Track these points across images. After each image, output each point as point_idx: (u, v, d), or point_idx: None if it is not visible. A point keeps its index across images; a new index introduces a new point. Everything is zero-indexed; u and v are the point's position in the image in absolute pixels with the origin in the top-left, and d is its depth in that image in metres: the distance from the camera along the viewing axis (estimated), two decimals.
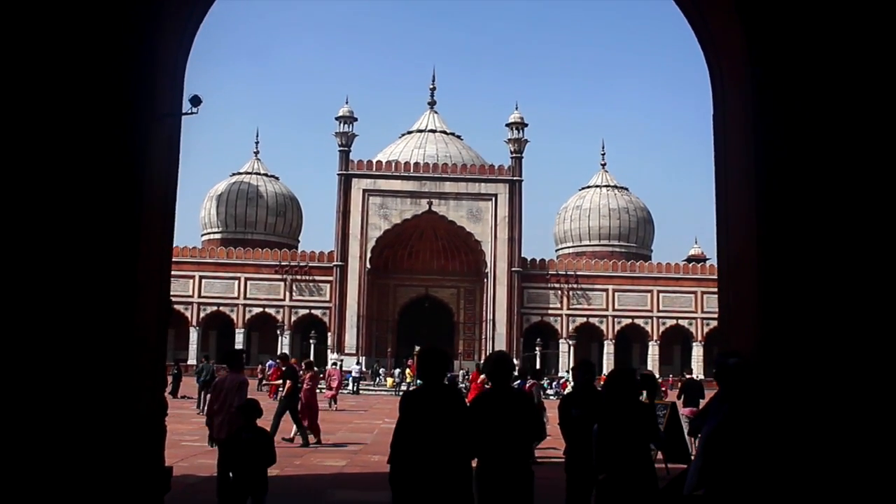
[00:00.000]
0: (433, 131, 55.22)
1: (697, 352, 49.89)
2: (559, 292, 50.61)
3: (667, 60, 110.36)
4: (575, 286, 50.67)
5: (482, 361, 6.86)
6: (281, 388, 14.70)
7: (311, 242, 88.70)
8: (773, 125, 4.97)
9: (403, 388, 30.86)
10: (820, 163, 4.87)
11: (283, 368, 15.09)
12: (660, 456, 9.05)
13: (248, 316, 49.73)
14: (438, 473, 4.22)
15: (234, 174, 57.50)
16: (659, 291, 50.83)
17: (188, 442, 12.74)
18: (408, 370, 33.54)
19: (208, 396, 9.94)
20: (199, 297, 49.47)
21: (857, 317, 4.68)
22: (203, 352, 43.92)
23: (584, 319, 50.63)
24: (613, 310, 50.76)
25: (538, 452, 11.75)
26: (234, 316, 49.59)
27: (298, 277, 49.78)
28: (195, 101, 5.86)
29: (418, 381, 4.87)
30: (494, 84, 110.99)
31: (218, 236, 55.05)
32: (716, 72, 5.92)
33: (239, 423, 6.55)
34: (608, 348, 49.75)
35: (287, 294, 49.81)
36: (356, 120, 50.03)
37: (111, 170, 4.89)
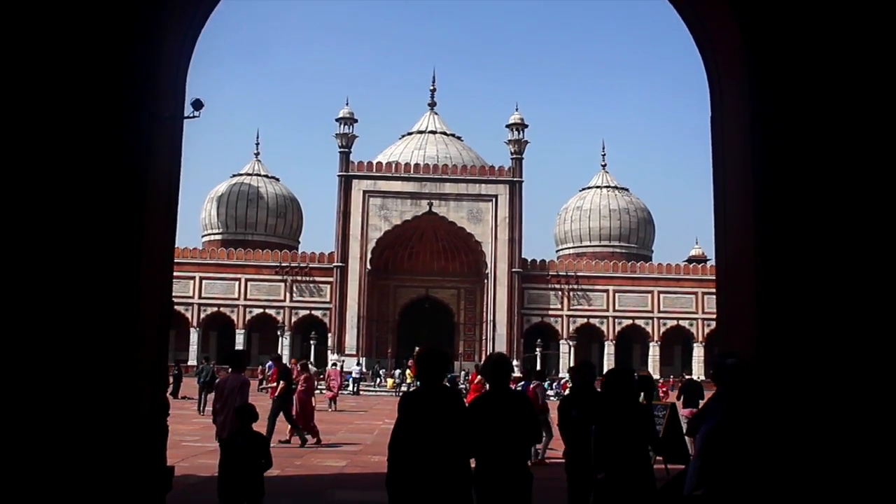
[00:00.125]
0: (433, 132, 55.23)
1: (698, 352, 49.83)
2: (560, 293, 50.60)
3: (667, 61, 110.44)
4: (575, 287, 50.67)
5: (482, 362, 6.87)
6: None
7: (311, 243, 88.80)
8: (769, 126, 4.99)
9: (404, 388, 30.87)
10: (817, 163, 4.89)
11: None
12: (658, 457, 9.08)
13: (248, 317, 49.75)
14: (437, 475, 4.19)
15: (234, 175, 57.53)
16: (659, 292, 50.81)
17: (189, 442, 12.77)
18: (408, 371, 33.49)
19: (209, 397, 10.01)
20: (200, 297, 49.48)
21: (855, 317, 4.70)
22: (203, 353, 43.91)
23: (585, 320, 50.61)
24: (614, 310, 50.75)
25: (548, 453, 11.77)
26: (234, 317, 49.61)
27: (299, 278, 49.80)
28: (197, 104, 5.91)
29: (417, 383, 4.87)
30: (494, 85, 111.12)
31: (218, 237, 55.08)
32: (713, 73, 5.95)
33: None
34: (609, 349, 49.72)
35: (287, 295, 49.83)
36: (356, 121, 50.06)
37: (114, 172, 4.93)
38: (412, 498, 4.21)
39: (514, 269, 48.80)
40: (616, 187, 58.77)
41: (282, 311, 49.73)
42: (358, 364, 40.02)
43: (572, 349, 49.33)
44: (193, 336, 48.87)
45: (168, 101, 5.68)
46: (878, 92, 4.90)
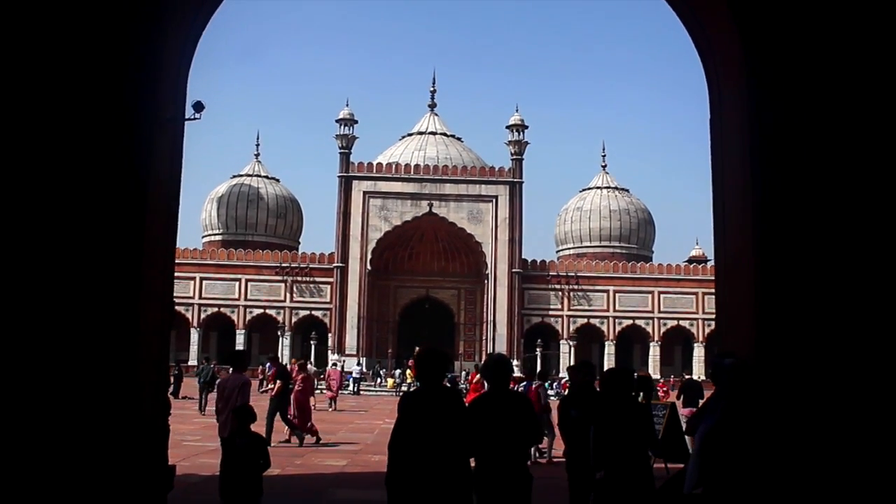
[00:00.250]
0: (433, 133, 55.28)
1: (698, 352, 49.86)
2: (560, 293, 50.63)
3: (667, 62, 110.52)
4: (576, 287, 50.70)
5: (482, 362, 6.89)
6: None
7: (311, 244, 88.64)
8: (768, 127, 5.01)
9: (404, 388, 30.90)
10: (815, 164, 4.91)
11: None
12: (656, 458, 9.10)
13: (248, 317, 49.80)
14: (436, 475, 4.20)
15: (234, 176, 57.58)
16: (660, 292, 50.85)
17: (190, 442, 12.81)
18: (408, 371, 33.52)
19: (209, 397, 10.05)
20: (200, 298, 49.53)
21: (853, 317, 4.72)
22: (204, 353, 43.98)
23: (585, 320, 50.64)
24: (614, 311, 50.78)
25: (554, 452, 11.79)
26: (234, 317, 49.65)
27: (299, 279, 49.85)
28: (198, 106, 5.94)
29: (418, 383, 4.89)
30: (495, 86, 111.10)
31: (219, 238, 55.12)
32: (712, 75, 5.97)
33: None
34: (609, 349, 49.75)
35: (288, 295, 49.88)
36: (356, 122, 50.13)
37: (116, 173, 4.95)
38: (412, 497, 4.22)
39: (514, 270, 48.83)
40: (616, 188, 58.80)
41: (282, 311, 49.78)
42: (358, 364, 40.06)
43: (572, 349, 49.35)
44: (194, 336, 48.93)
45: (169, 103, 5.70)
46: (877, 93, 4.92)
